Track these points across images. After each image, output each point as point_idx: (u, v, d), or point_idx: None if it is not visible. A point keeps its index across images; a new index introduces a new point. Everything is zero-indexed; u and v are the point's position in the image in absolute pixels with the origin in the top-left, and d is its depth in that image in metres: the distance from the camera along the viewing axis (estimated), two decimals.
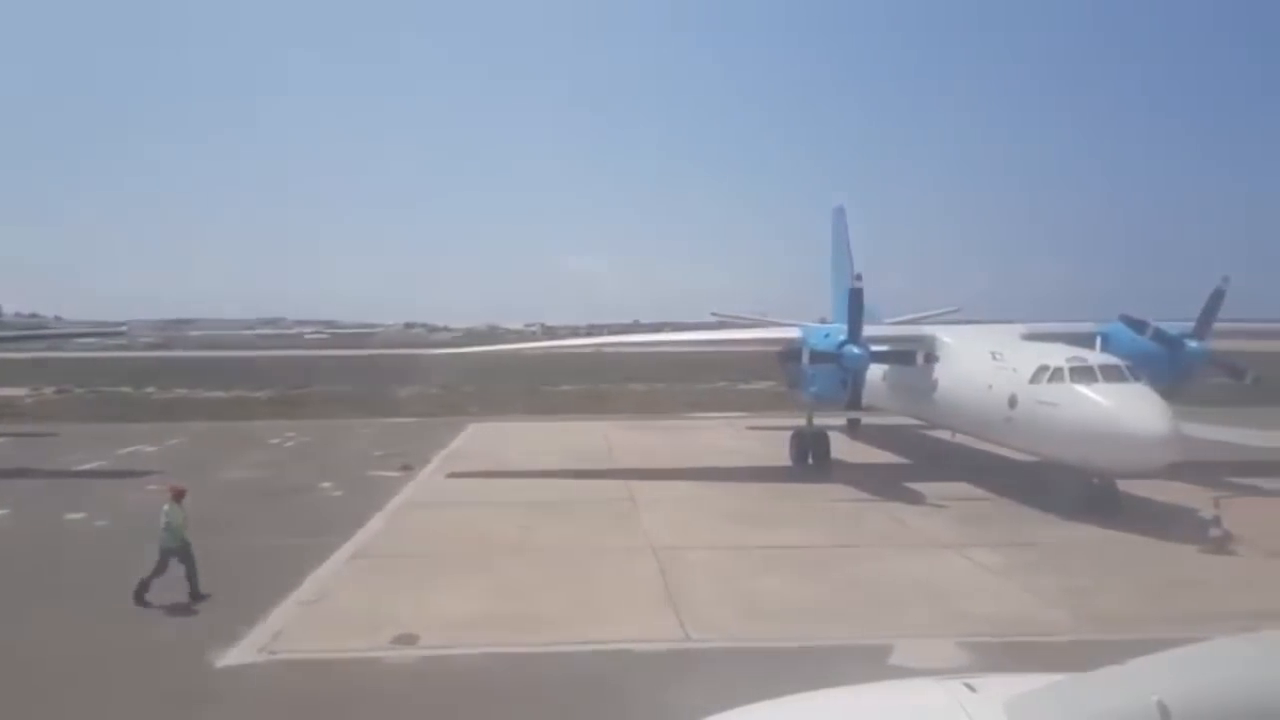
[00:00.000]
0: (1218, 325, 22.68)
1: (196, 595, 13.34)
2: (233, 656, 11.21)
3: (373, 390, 50.17)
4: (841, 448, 28.89)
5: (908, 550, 16.43)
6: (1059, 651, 11.26)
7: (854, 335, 22.09)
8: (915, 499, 20.75)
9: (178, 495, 13.66)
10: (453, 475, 24.39)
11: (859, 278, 21.93)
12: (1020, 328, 24.78)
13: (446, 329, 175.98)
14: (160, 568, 13.29)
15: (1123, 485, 20.76)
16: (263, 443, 31.19)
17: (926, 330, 25.47)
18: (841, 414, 23.01)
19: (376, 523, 18.78)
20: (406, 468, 25.44)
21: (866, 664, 10.84)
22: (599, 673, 10.66)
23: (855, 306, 21.99)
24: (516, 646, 11.48)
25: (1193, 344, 22.01)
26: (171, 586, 13.32)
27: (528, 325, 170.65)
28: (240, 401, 45.55)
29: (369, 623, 12.35)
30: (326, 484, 23.15)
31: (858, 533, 17.76)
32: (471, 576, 14.58)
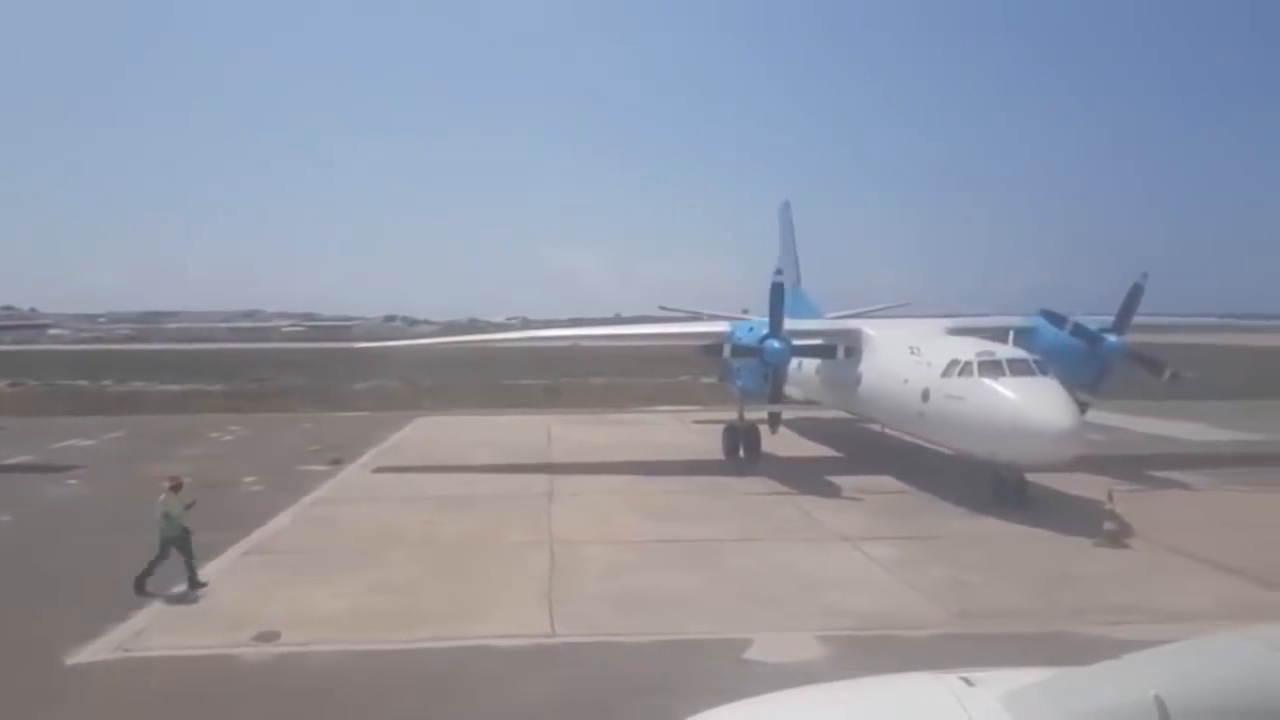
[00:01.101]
0: (1139, 320, 22.85)
1: (195, 583, 13.51)
2: (86, 654, 11.11)
3: (331, 384, 50.08)
4: (781, 441, 29.06)
5: (805, 544, 16.47)
6: (917, 645, 11.35)
7: (775, 329, 22.11)
8: (833, 492, 20.81)
9: (175, 486, 13.81)
10: (378, 470, 24.30)
11: (779, 272, 21.94)
12: (947, 322, 24.88)
13: (427, 322, 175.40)
14: (162, 556, 13.50)
15: (1044, 479, 21.04)
16: (203, 437, 30.98)
17: (853, 325, 25.54)
18: (765, 408, 22.93)
19: (283, 518, 18.67)
20: (336, 462, 25.31)
21: (719, 658, 10.91)
22: (451, 669, 10.63)
23: (776, 301, 22.00)
24: (375, 644, 11.43)
25: (1112, 339, 22.14)
26: (170, 578, 13.56)
27: (509, 319, 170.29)
28: (195, 395, 45.27)
29: (235, 620, 12.26)
30: (250, 478, 23.01)
31: (762, 526, 17.78)
32: (357, 573, 14.49)
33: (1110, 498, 16.63)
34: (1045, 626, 12.06)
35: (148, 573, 13.45)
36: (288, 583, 13.98)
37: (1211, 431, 31.27)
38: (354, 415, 37.90)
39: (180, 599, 13.28)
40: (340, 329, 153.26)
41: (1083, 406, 23.12)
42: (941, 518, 18.45)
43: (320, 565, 15.02)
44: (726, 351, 22.16)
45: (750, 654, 11.05)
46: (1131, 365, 23.01)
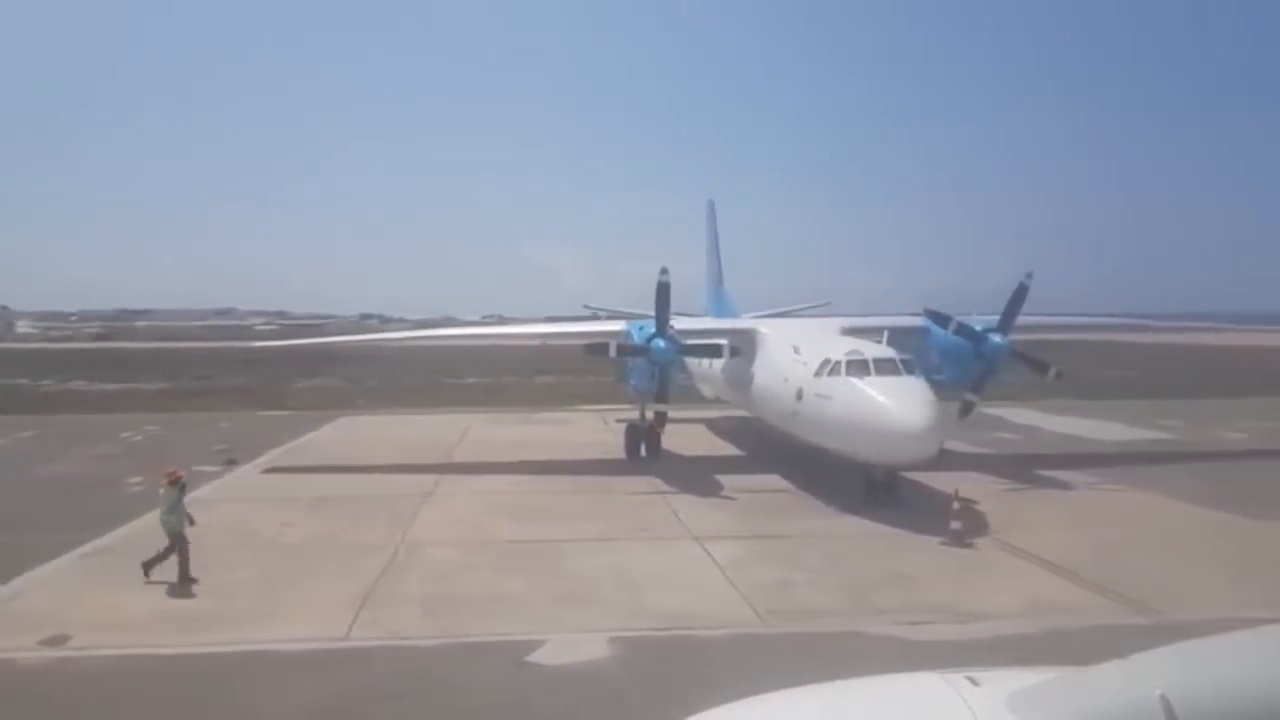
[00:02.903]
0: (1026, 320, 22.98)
1: (186, 578, 13.83)
2: None
3: (274, 383, 49.83)
4: (692, 441, 29.12)
5: (655, 543, 16.47)
6: (706, 646, 11.36)
7: (661, 329, 22.10)
8: (712, 491, 20.82)
9: (174, 481, 14.16)
10: (269, 471, 24.16)
11: (664, 272, 21.86)
12: (842, 321, 24.94)
13: (402, 320, 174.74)
14: (170, 548, 13.95)
15: (929, 479, 21.14)
16: (113, 436, 30.69)
17: (748, 324, 25.59)
18: (653, 407, 22.92)
19: (145, 520, 18.40)
20: (231, 462, 25.15)
21: (501, 660, 10.89)
22: (223, 674, 10.54)
23: (661, 301, 21.99)
24: (160, 647, 11.32)
25: (996, 338, 22.23)
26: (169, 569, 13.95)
27: (484, 317, 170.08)
28: (130, 394, 44.91)
29: (34, 622, 12.12)
30: (136, 479, 22.76)
31: (623, 526, 17.76)
32: None
33: (956, 497, 16.68)
34: (843, 627, 12.09)
35: (184, 569, 13.89)
36: (108, 585, 13.87)
37: (1126, 431, 31.49)
38: (281, 414, 37.65)
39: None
40: (313, 327, 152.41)
41: (967, 406, 23.43)
42: (805, 517, 18.49)
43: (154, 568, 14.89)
44: (612, 351, 22.13)
45: (534, 656, 11.02)
46: (1016, 364, 23.10)
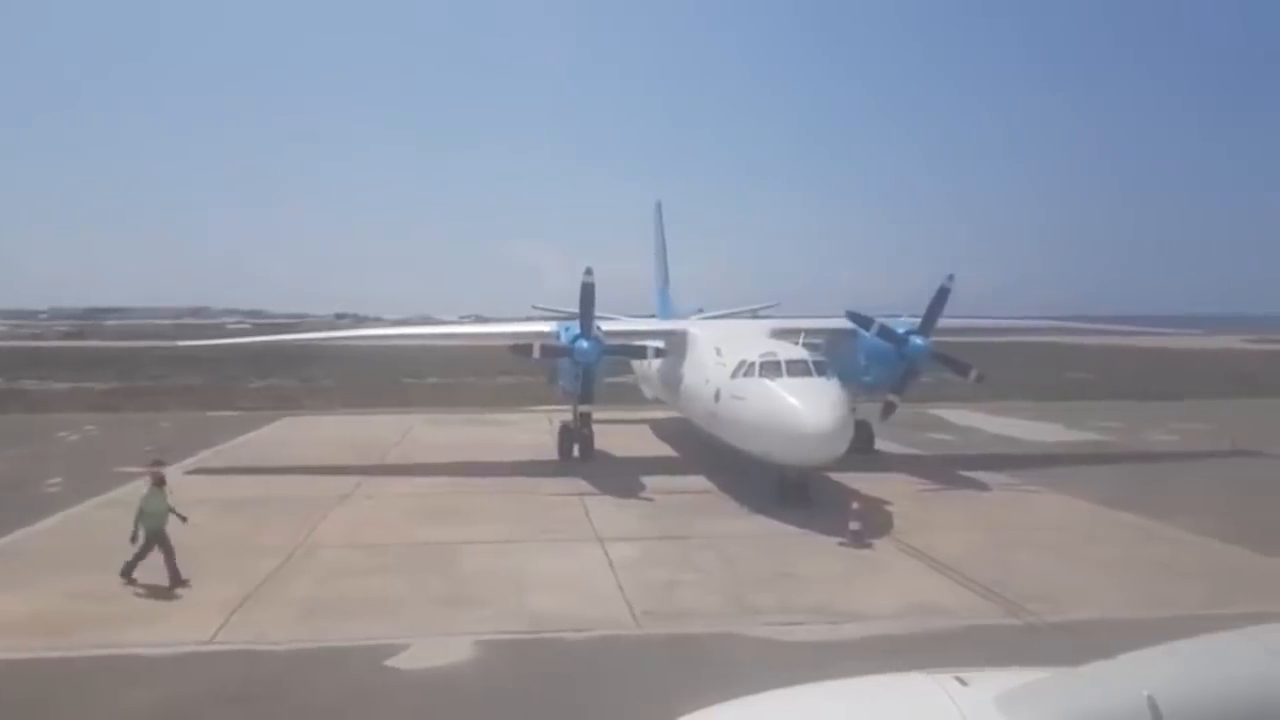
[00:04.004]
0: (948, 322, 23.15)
1: (129, 574, 13.82)
2: None
3: (227, 382, 49.45)
4: (631, 441, 29.14)
5: (559, 544, 16.45)
6: (572, 648, 11.36)
7: (585, 330, 22.09)
8: (631, 493, 20.82)
9: (158, 480, 14.10)
10: (193, 472, 23.94)
11: (589, 272, 21.83)
12: (774, 323, 25.04)
13: (379, 319, 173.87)
14: (149, 547, 13.86)
15: (852, 479, 21.25)
16: (48, 436, 30.33)
17: (679, 325, 25.62)
18: (579, 408, 22.92)
19: (53, 520, 18.40)
20: (157, 463, 24.75)
21: (361, 665, 10.81)
22: (73, 678, 10.41)
23: (586, 301, 21.96)
24: (20, 651, 11.17)
25: (917, 340, 22.38)
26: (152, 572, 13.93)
27: (462, 316, 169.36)
28: (76, 393, 44.38)
29: None
30: (56, 480, 22.60)
31: (532, 528, 17.73)
32: (74, 577, 14.19)
33: (856, 498, 16.76)
34: (716, 628, 12.12)
35: (173, 570, 13.80)
36: None
37: (1064, 432, 31.78)
38: (229, 415, 37.28)
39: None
40: (288, 327, 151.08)
41: (889, 407, 23.58)
42: (715, 518, 18.51)
43: (45, 568, 14.77)
44: (536, 352, 22.09)
45: (395, 660, 10.96)
46: (937, 366, 23.27)
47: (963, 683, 4.39)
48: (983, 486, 21.54)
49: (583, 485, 21.84)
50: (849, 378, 24.24)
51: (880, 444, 27.38)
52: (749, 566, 14.91)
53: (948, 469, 23.48)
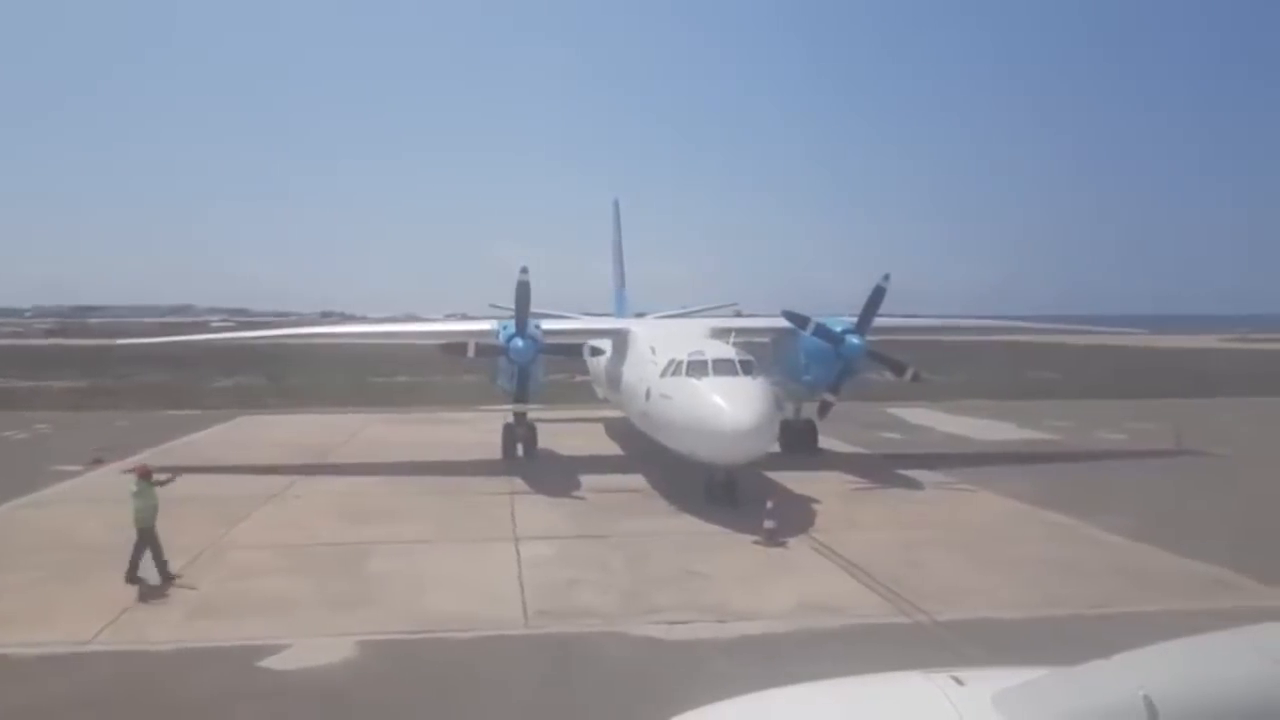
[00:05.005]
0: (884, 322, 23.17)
1: (133, 577, 13.74)
2: None
3: (194, 381, 49.25)
4: (582, 440, 29.12)
5: (473, 544, 16.42)
6: (453, 649, 11.30)
7: (520, 328, 22.02)
8: (565, 491, 20.77)
9: (144, 475, 14.03)
10: (129, 471, 23.72)
11: (524, 271, 21.75)
12: (716, 322, 25.03)
13: (364, 318, 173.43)
14: (154, 547, 13.88)
15: (788, 479, 21.31)
16: None
17: (622, 324, 25.59)
18: (513, 408, 22.86)
19: None
20: (97, 462, 24.77)
21: (233, 665, 10.74)
22: None
23: (521, 300, 21.88)
24: None
25: (853, 339, 22.37)
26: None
27: (448, 315, 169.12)
28: (38, 391, 44.12)
29: None
30: None
31: (453, 526, 17.69)
32: None
33: (776, 495, 16.73)
34: (605, 628, 12.08)
35: (163, 566, 13.88)
36: None
37: (1015, 431, 31.87)
38: (189, 414, 37.04)
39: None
40: (271, 325, 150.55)
41: (825, 406, 23.58)
42: (640, 517, 18.47)
43: None
44: (470, 351, 22.01)
45: (269, 661, 10.89)
46: (874, 365, 23.28)
47: (959, 682, 4.45)
48: (916, 485, 21.55)
49: (518, 484, 21.80)
50: (792, 377, 24.36)
51: (827, 442, 27.43)
52: (657, 565, 14.87)
53: (886, 468, 23.49)
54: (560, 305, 39.34)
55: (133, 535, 14.06)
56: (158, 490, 14.37)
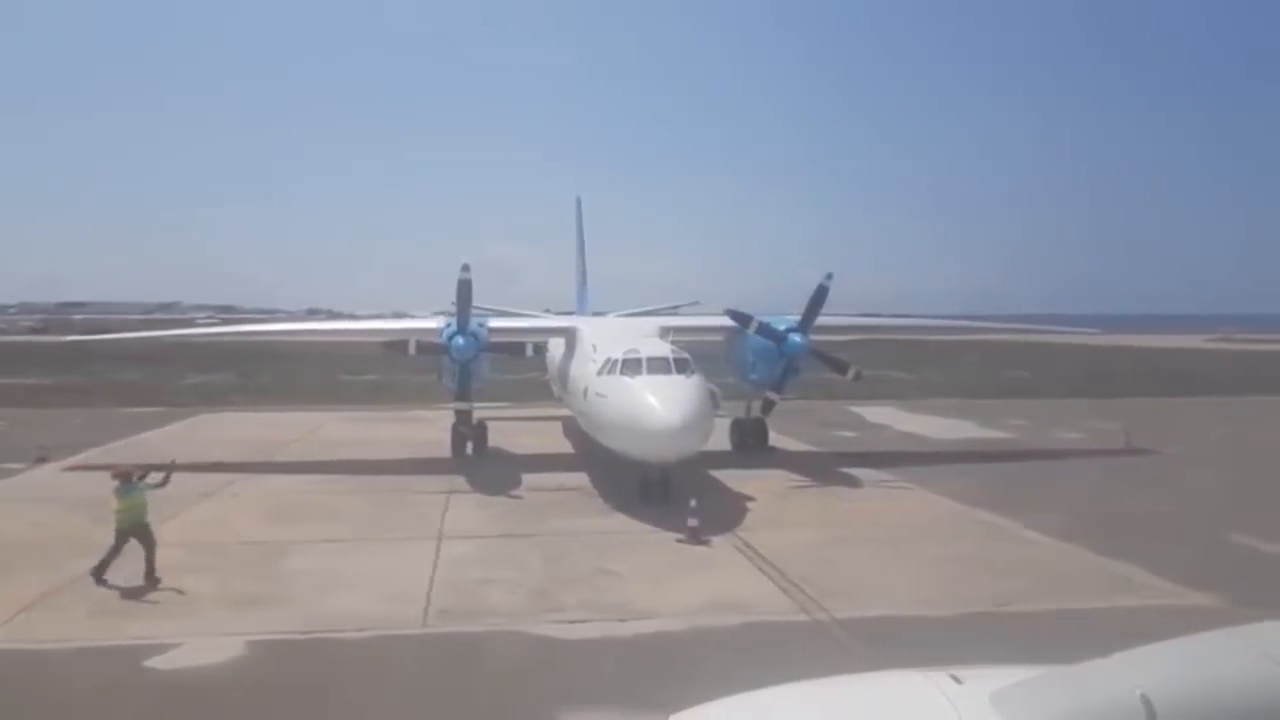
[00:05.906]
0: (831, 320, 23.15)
1: (99, 577, 13.55)
2: None
3: (165, 379, 49.08)
4: (537, 439, 29.07)
5: (394, 543, 16.33)
6: (346, 649, 11.24)
7: (462, 326, 21.95)
8: (503, 490, 20.70)
9: (124, 476, 13.76)
10: (71, 468, 23.69)
11: (466, 269, 21.67)
12: (663, 320, 25.00)
13: (351, 315, 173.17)
14: (118, 547, 13.69)
15: (730, 478, 21.33)
16: None
17: (570, 323, 25.53)
18: (452, 406, 22.77)
19: None
20: (41, 460, 24.66)
21: (120, 664, 10.65)
22: None
23: (462, 297, 21.81)
24: None
25: (796, 338, 22.37)
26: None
27: (436, 313, 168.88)
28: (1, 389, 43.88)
29: None
30: None
31: (378, 525, 17.61)
32: None
33: (695, 500, 16.69)
34: (503, 627, 12.03)
35: (150, 566, 13.70)
36: None
37: (972, 430, 31.94)
38: (152, 411, 36.83)
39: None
40: (258, 322, 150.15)
41: (768, 404, 23.58)
42: (572, 516, 18.40)
43: None
44: (411, 349, 21.93)
45: (156, 660, 10.80)
46: (816, 364, 23.28)
47: (958, 680, 4.46)
48: (855, 483, 21.54)
49: (458, 483, 21.72)
50: (740, 375, 24.37)
51: (781, 440, 27.45)
52: (573, 564, 14.82)
53: (831, 466, 23.50)
54: (557, 304, 39.19)
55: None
56: (157, 490, 14.19)
